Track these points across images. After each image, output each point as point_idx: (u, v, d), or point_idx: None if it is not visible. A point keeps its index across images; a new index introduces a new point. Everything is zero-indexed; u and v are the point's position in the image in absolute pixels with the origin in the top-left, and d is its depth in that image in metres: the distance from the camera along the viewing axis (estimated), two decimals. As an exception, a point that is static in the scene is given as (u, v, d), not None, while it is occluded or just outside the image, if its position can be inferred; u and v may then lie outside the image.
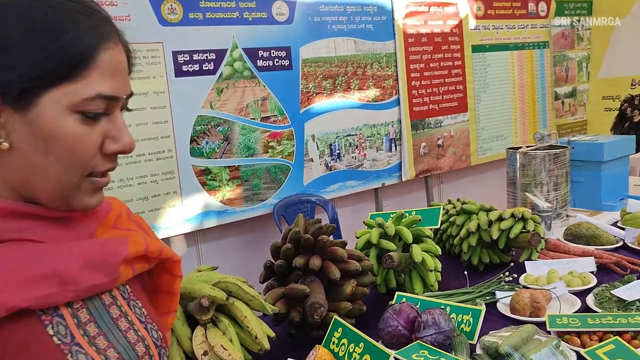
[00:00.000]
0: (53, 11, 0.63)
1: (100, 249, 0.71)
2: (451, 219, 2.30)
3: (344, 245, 1.83)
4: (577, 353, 1.38)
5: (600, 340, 1.43)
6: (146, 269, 0.80)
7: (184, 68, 2.81)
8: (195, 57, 2.85)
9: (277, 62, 3.15)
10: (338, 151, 3.46)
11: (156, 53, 2.73)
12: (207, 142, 2.91)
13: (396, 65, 3.70)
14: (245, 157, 3.05)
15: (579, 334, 1.48)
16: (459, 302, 1.69)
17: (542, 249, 2.16)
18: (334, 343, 1.51)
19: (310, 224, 1.88)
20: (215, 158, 2.94)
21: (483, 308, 1.59)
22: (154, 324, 0.80)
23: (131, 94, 0.72)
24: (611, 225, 2.46)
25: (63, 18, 0.63)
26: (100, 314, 0.71)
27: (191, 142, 2.86)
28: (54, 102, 0.63)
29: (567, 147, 2.71)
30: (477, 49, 4.18)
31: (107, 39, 0.67)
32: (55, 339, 0.64)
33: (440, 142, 3.98)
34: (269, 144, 3.15)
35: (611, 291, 1.69)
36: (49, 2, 0.63)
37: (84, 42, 0.64)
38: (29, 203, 0.67)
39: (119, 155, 0.72)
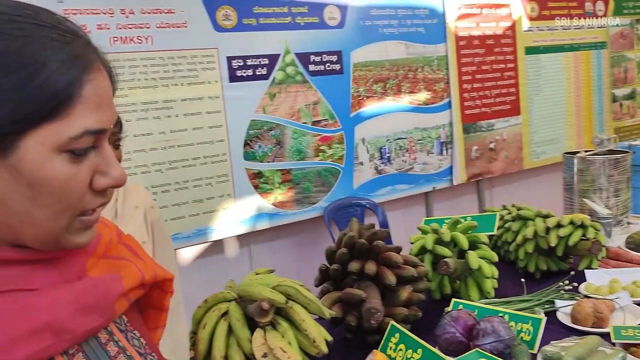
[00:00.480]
0: (29, 42, 0.56)
1: (94, 290, 0.65)
2: (506, 225, 2.27)
3: (398, 250, 1.82)
4: (645, 366, 1.34)
5: (669, 353, 1.38)
6: (141, 295, 0.76)
7: (238, 73, 2.87)
8: (249, 62, 2.90)
9: (328, 66, 3.17)
10: (388, 154, 3.45)
11: (211, 59, 2.79)
12: (259, 146, 2.95)
13: (447, 68, 3.66)
14: (297, 160, 3.08)
15: (645, 347, 1.43)
16: (516, 310, 1.67)
17: (602, 257, 2.10)
18: (391, 348, 1.51)
19: (364, 228, 1.89)
20: (268, 161, 2.98)
21: (544, 317, 1.56)
22: (154, 354, 0.76)
23: (118, 121, 0.65)
24: (676, 233, 2.37)
25: (40, 50, 0.56)
26: (97, 355, 0.66)
27: (244, 145, 2.91)
28: (37, 144, 0.56)
29: (628, 152, 2.62)
30: (530, 50, 4.09)
31: (89, 68, 0.59)
32: None
33: (492, 145, 3.91)
34: (320, 147, 3.17)
35: (679, 302, 1.63)
36: (24, 31, 0.56)
37: (66, 77, 0.57)
38: (15, 248, 0.61)
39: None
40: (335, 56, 3.19)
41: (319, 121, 3.16)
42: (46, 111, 0.56)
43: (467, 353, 1.43)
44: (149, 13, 2.58)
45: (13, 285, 0.59)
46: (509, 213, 2.32)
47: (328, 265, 1.81)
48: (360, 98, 3.31)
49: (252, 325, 1.45)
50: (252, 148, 2.93)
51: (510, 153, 4.03)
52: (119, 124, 1.38)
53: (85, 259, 0.68)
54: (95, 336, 0.67)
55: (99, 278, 0.68)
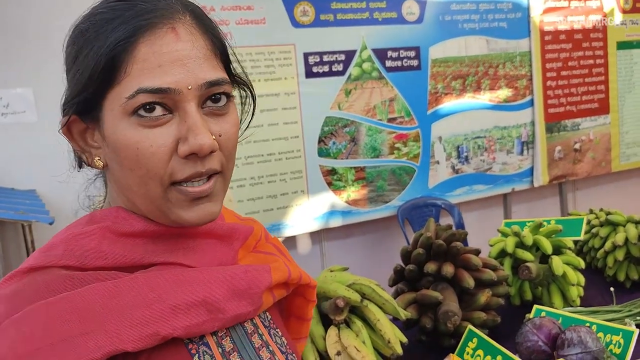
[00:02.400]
0: (94, 19, 0.61)
1: (245, 276, 0.68)
2: (593, 230, 2.14)
3: (477, 253, 1.76)
4: None
5: None
6: (284, 295, 0.78)
7: (314, 69, 2.87)
8: (325, 58, 2.89)
9: (405, 62, 3.12)
10: (466, 154, 3.35)
11: (288, 55, 2.81)
12: (334, 143, 2.94)
13: (530, 65, 3.51)
14: (371, 158, 3.05)
15: None
16: (605, 320, 1.56)
17: (703, 268, 1.93)
18: (467, 353, 1.46)
19: (441, 229, 1.84)
20: (342, 158, 2.97)
21: (636, 330, 1.45)
22: (294, 354, 0.76)
23: (213, 83, 0.62)
24: None
25: (98, 23, 0.60)
26: (243, 344, 0.69)
27: (319, 142, 2.91)
28: (109, 110, 0.60)
29: None
30: (623, 45, 3.85)
31: (145, 30, 0.59)
32: None
33: (577, 146, 3.72)
34: (395, 145, 3.12)
35: None
36: (95, 11, 0.62)
37: (113, 41, 0.58)
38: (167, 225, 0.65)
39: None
40: (413, 52, 3.13)
41: (394, 118, 3.11)
42: (105, 76, 0.59)
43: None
44: (228, 10, 2.63)
45: (175, 259, 0.64)
46: (597, 218, 2.18)
47: (403, 266, 1.77)
48: (438, 95, 3.24)
49: (326, 322, 1.44)
50: (326, 145, 2.93)
51: (597, 154, 3.81)
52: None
53: (237, 247, 0.71)
54: (242, 325, 0.69)
55: (250, 266, 0.70)
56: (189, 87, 0.59)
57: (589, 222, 2.17)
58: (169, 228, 0.64)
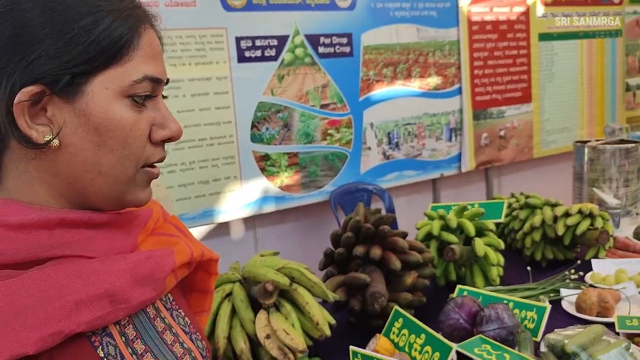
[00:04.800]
0: None
1: (148, 263, 0.66)
2: (514, 213, 2.25)
3: (404, 236, 1.82)
4: (649, 357, 1.33)
5: (675, 345, 1.37)
6: (186, 274, 0.78)
7: (247, 54, 2.84)
8: (258, 43, 2.87)
9: (338, 48, 3.14)
10: (396, 140, 3.43)
11: (220, 39, 2.76)
12: (267, 128, 2.94)
13: (459, 53, 3.62)
14: (304, 144, 3.06)
15: (650, 337, 1.42)
16: (521, 298, 1.66)
17: (610, 247, 2.08)
18: (394, 333, 1.51)
19: (370, 213, 1.88)
20: (275, 144, 2.97)
21: (548, 305, 1.55)
22: (197, 333, 0.77)
23: (168, 80, 0.69)
24: (685, 224, 2.35)
25: (103, 2, 0.61)
26: (146, 329, 0.68)
27: (252, 127, 2.89)
28: (102, 88, 0.60)
29: (639, 142, 2.59)
30: (544, 37, 4.03)
31: (144, 22, 0.64)
32: None
33: (502, 133, 3.88)
34: (328, 131, 3.15)
35: (686, 294, 1.61)
36: None
37: (126, 23, 0.62)
38: (76, 210, 0.63)
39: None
40: (345, 38, 3.16)
41: (327, 104, 3.14)
42: (111, 54, 0.61)
43: (471, 339, 1.43)
44: (158, -9, 2.56)
45: (71, 251, 0.60)
46: (517, 201, 2.30)
47: (333, 249, 1.81)
48: (370, 82, 3.28)
49: (255, 306, 1.45)
50: (259, 130, 2.92)
51: (521, 141, 3.99)
52: None
53: (137, 233, 0.70)
54: (144, 310, 0.69)
55: (153, 251, 0.69)
56: (164, 80, 0.67)
57: (509, 205, 2.28)
58: (75, 216, 0.62)
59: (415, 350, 1.41)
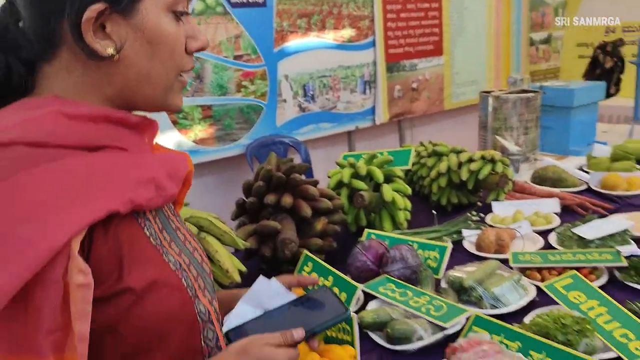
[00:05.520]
0: None
1: (173, 161, 0.78)
2: (422, 161, 2.33)
3: (315, 184, 1.84)
4: (537, 287, 1.44)
5: (560, 275, 1.49)
6: (180, 187, 0.84)
7: (154, 2, 2.71)
8: (165, -10, 2.74)
9: (250, -2, 3.06)
10: (312, 92, 3.43)
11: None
12: (178, 80, 2.84)
13: (372, 6, 3.63)
14: (218, 96, 3.00)
15: (539, 270, 1.54)
16: (426, 239, 1.73)
17: (509, 190, 2.20)
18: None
19: (282, 162, 1.89)
20: (187, 96, 2.89)
21: (449, 245, 1.63)
22: (194, 239, 0.86)
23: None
24: (577, 169, 2.52)
25: None
26: (166, 224, 0.77)
27: (162, 79, 2.79)
28: (153, 5, 0.68)
29: (538, 92, 2.73)
30: (454, -9, 4.12)
31: None
32: (151, 239, 0.71)
33: (414, 85, 3.97)
34: (242, 83, 3.09)
35: (572, 230, 1.75)
36: None
37: None
38: (117, 109, 0.71)
39: None
40: (258, -12, 3.08)
41: (240, 56, 3.07)
42: None
43: (376, 279, 1.49)
44: None
45: (115, 143, 0.69)
46: (425, 149, 2.38)
47: (245, 199, 1.81)
48: (284, 33, 3.24)
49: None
50: (170, 82, 2.82)
51: (432, 94, 4.11)
52: None
53: (152, 139, 0.79)
54: (162, 209, 0.78)
55: (173, 153, 0.82)
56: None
57: (418, 153, 2.36)
58: (117, 115, 0.70)
59: (324, 291, 1.45)
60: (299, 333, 0.76)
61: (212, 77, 2.96)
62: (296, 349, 0.77)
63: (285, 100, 3.30)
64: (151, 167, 0.71)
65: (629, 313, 1.25)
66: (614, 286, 1.48)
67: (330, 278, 1.45)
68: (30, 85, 0.69)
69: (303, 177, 1.81)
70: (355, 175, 1.98)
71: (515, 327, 1.20)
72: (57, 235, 0.56)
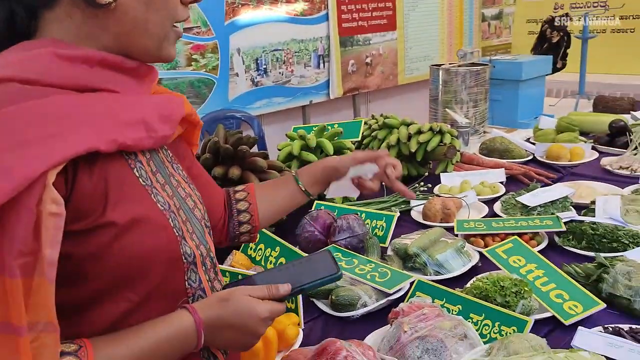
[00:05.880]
0: None
1: (169, 103, 0.79)
2: (373, 134, 2.34)
3: (264, 156, 1.82)
4: (480, 253, 1.47)
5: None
6: (181, 132, 0.87)
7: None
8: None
9: (199, -32, 2.98)
10: (264, 66, 3.38)
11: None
12: (124, 53, 2.76)
13: (325, -22, 3.59)
14: (167, 69, 2.93)
15: (483, 237, 1.58)
16: (375, 209, 1.75)
17: (457, 161, 2.24)
18: (251, 248, 1.54)
19: (230, 134, 1.86)
20: (135, 70, 2.80)
21: (396, 214, 1.65)
22: (193, 185, 0.88)
23: None
24: (525, 141, 2.58)
25: None
26: (161, 167, 0.80)
27: (107, 52, 2.70)
28: None
29: (487, 65, 2.77)
30: (408, -35, 4.11)
31: None
32: (140, 180, 0.74)
33: (368, 60, 3.97)
34: (192, 56, 3.03)
35: (516, 198, 1.79)
36: None
37: None
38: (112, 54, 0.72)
39: None
40: (207, -43, 3.00)
41: (190, 28, 3.00)
42: None
43: (323, 249, 1.49)
44: None
45: (110, 86, 0.71)
46: (377, 122, 2.38)
47: (192, 172, 1.77)
48: (235, 5, 3.17)
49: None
50: (116, 55, 2.73)
51: (386, 68, 4.12)
52: None
53: (150, 85, 0.79)
54: (157, 153, 0.81)
55: (169, 96, 0.83)
56: None
57: (369, 126, 2.37)
58: (112, 59, 0.71)
59: (271, 262, 1.45)
60: (285, 288, 0.80)
61: (160, 50, 2.88)
62: (282, 303, 0.80)
63: (237, 74, 3.25)
64: (142, 108, 0.73)
65: (565, 275, 1.29)
66: (553, 250, 1.53)
67: (278, 249, 1.45)
68: (33, 31, 0.72)
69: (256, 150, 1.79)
70: (305, 147, 1.97)
71: (456, 291, 1.23)
72: (35, 166, 0.59)
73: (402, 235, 1.56)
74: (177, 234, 0.75)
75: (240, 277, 1.26)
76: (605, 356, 1.01)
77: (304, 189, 1.12)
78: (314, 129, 2.11)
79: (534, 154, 2.38)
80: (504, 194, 1.93)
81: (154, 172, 0.78)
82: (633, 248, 1.43)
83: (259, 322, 0.76)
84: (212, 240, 0.88)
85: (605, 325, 1.13)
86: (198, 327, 0.73)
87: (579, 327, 1.08)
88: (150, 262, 0.71)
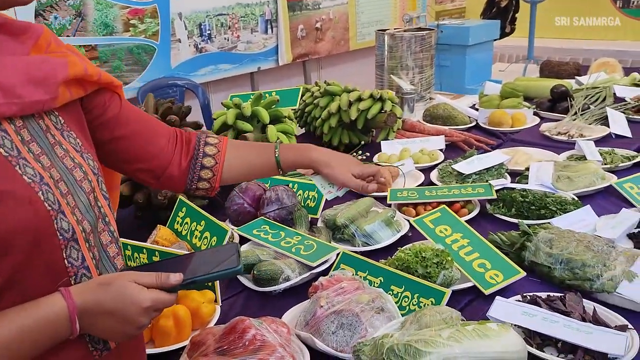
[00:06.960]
0: None
1: (42, 65, 0.72)
2: (315, 101, 2.28)
3: (198, 126, 1.76)
4: (411, 223, 1.45)
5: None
6: (82, 95, 0.81)
7: None
8: None
9: None
10: (209, 32, 3.27)
11: None
12: (55, 17, 2.62)
13: (271, -61, 3.46)
14: (103, 35, 2.80)
15: (415, 206, 1.56)
16: (307, 180, 1.71)
17: (399, 129, 2.21)
18: (178, 222, 1.49)
19: (160, 104, 1.79)
20: (68, 36, 2.67)
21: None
22: (89, 153, 0.81)
23: None
24: (470, 107, 2.57)
25: None
26: (39, 136, 0.73)
27: (36, 16, 2.55)
28: None
29: (433, 30, 2.73)
30: None
31: None
32: (1, 150, 0.68)
33: (318, 25, 3.88)
34: (130, 21, 2.89)
35: (452, 166, 1.78)
36: None
37: None
38: None
39: None
40: None
41: (127, -9, 2.86)
42: None
43: (251, 222, 1.45)
44: None
45: None
46: (319, 89, 2.33)
47: (119, 144, 1.70)
48: (175, -33, 3.04)
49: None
50: (46, 19, 2.59)
51: (337, 34, 4.04)
52: None
53: (30, 45, 0.74)
54: (36, 121, 0.74)
55: (46, 57, 0.75)
56: None
57: (312, 94, 2.31)
58: None
59: (196, 237, 1.40)
60: (176, 277, 0.75)
61: (95, 15, 2.75)
62: (171, 294, 0.75)
63: (179, 40, 3.13)
64: (3, 71, 0.67)
65: (489, 244, 1.28)
66: (484, 219, 1.53)
67: (203, 222, 1.41)
68: None
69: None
70: (241, 116, 1.91)
71: (378, 263, 1.21)
72: None
73: (334, 206, 1.53)
74: (49, 208, 0.69)
75: (152, 256, 1.21)
76: (518, 325, 1.01)
77: (279, 168, 1.10)
78: (252, 97, 2.05)
79: (477, 120, 2.38)
80: (442, 161, 1.92)
81: (26, 141, 0.71)
82: (560, 215, 1.43)
83: (141, 311, 0.71)
84: (113, 214, 0.83)
85: (524, 294, 1.13)
86: (71, 312, 0.68)
87: (497, 297, 1.08)
88: (11, 238, 0.66)
